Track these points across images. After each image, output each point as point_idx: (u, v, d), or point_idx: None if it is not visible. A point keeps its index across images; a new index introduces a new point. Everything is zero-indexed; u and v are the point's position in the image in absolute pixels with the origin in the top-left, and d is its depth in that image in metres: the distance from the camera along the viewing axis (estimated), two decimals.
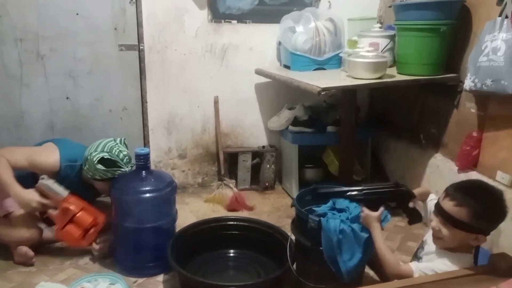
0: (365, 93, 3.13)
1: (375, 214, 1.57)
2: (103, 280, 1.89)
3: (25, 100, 2.54)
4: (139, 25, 2.62)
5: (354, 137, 2.52)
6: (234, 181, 2.87)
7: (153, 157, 2.82)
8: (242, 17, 2.77)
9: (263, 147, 3.01)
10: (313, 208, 1.76)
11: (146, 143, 2.83)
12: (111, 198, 2.03)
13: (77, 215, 1.99)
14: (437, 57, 2.28)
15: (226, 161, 2.94)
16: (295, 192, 2.77)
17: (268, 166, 2.97)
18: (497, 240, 1.97)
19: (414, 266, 1.49)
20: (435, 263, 1.46)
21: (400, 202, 1.64)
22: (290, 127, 2.82)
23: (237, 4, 2.71)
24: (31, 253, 2.04)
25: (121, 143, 2.11)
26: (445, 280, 1.39)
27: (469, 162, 2.19)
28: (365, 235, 1.59)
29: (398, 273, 1.48)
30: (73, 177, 2.09)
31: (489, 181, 2.04)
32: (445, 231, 1.41)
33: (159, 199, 1.97)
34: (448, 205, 1.40)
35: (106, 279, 1.90)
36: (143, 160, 2.00)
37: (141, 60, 2.68)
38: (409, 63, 2.35)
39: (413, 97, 2.69)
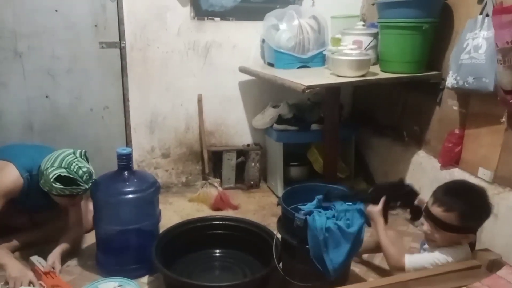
0: (349, 90, 3.14)
1: (377, 208, 1.66)
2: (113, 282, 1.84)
3: (2, 99, 2.47)
4: (120, 22, 2.57)
5: (338, 134, 2.53)
6: (218, 180, 2.85)
7: (135, 157, 2.78)
8: (225, 15, 2.74)
9: (248, 145, 2.99)
10: (299, 207, 1.75)
11: (128, 143, 2.78)
12: (93, 201, 1.98)
13: None
14: (419, 55, 2.30)
15: (210, 160, 2.91)
16: (280, 190, 2.77)
17: (252, 164, 2.95)
18: (479, 236, 1.99)
19: (407, 259, 1.55)
20: (432, 254, 1.52)
21: (406, 200, 1.71)
22: (275, 125, 2.81)
23: (220, 1, 2.68)
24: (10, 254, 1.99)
25: (81, 157, 1.93)
26: (429, 277, 1.41)
27: (451, 159, 2.22)
28: (351, 231, 1.60)
29: (399, 265, 1.55)
30: (35, 189, 1.94)
31: (471, 178, 2.08)
32: (437, 234, 1.48)
33: (142, 200, 1.93)
34: (437, 211, 1.46)
35: (115, 282, 1.84)
36: (125, 160, 1.95)
37: (123, 58, 2.63)
38: (392, 61, 2.36)
39: (396, 94, 2.71)
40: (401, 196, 1.72)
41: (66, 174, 1.85)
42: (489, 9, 1.93)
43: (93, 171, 1.94)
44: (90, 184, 1.92)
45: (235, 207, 2.69)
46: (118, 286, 1.83)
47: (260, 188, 3.00)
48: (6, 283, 1.80)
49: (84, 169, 1.89)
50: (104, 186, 1.94)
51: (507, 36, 1.71)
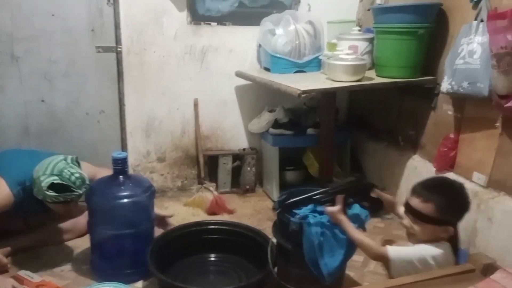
0: (344, 95, 3.15)
1: (336, 208, 1.62)
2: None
3: None
4: (117, 26, 2.57)
5: (334, 139, 2.53)
6: (214, 184, 2.85)
7: (131, 161, 2.77)
8: (221, 19, 2.75)
9: (244, 149, 2.99)
10: (294, 211, 1.75)
11: (124, 147, 2.78)
12: (87, 205, 1.97)
13: None
14: (414, 60, 2.31)
15: (206, 164, 2.91)
16: (276, 195, 2.77)
17: (248, 168, 2.95)
18: (473, 240, 2.00)
19: (390, 250, 1.53)
20: (413, 247, 1.51)
21: (363, 194, 1.71)
22: (271, 130, 2.81)
23: (217, 6, 2.70)
24: (4, 260, 1.98)
25: (72, 163, 1.92)
26: (423, 281, 1.41)
27: (446, 163, 2.23)
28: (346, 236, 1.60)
29: (379, 253, 1.54)
30: (29, 198, 1.93)
31: (466, 182, 2.08)
32: (416, 227, 1.49)
33: (137, 204, 1.92)
34: (415, 202, 1.48)
35: (110, 287, 1.80)
36: (120, 165, 1.95)
37: (119, 62, 2.63)
38: (388, 66, 2.38)
39: (391, 99, 2.72)
40: (357, 192, 1.71)
41: (59, 181, 1.84)
42: (484, 14, 1.94)
43: (85, 176, 1.93)
44: (84, 189, 1.91)
45: (230, 212, 2.68)
46: None
47: (256, 192, 3.00)
48: None
49: (77, 175, 1.88)
50: (99, 191, 1.94)
51: (502, 41, 1.72)
